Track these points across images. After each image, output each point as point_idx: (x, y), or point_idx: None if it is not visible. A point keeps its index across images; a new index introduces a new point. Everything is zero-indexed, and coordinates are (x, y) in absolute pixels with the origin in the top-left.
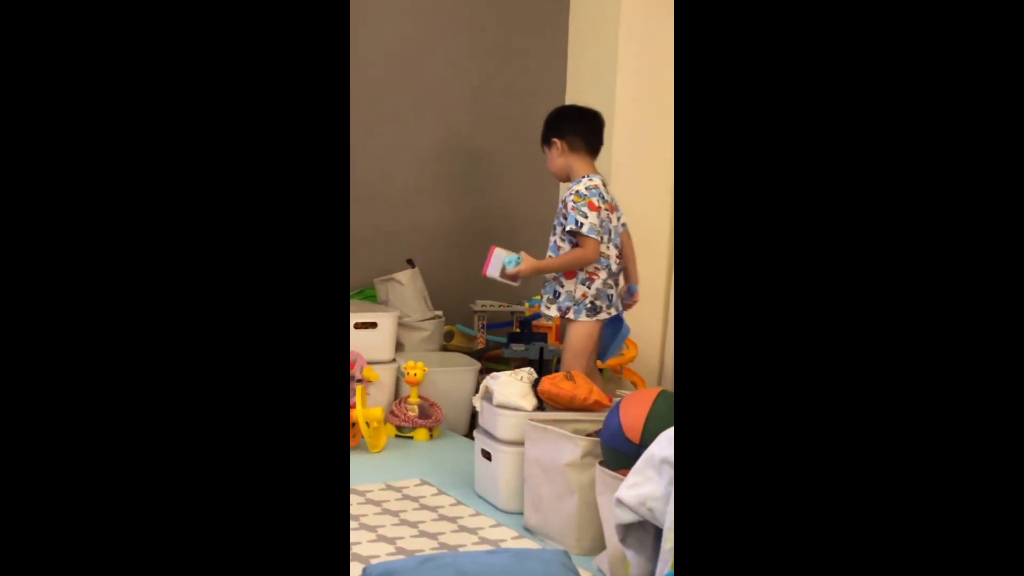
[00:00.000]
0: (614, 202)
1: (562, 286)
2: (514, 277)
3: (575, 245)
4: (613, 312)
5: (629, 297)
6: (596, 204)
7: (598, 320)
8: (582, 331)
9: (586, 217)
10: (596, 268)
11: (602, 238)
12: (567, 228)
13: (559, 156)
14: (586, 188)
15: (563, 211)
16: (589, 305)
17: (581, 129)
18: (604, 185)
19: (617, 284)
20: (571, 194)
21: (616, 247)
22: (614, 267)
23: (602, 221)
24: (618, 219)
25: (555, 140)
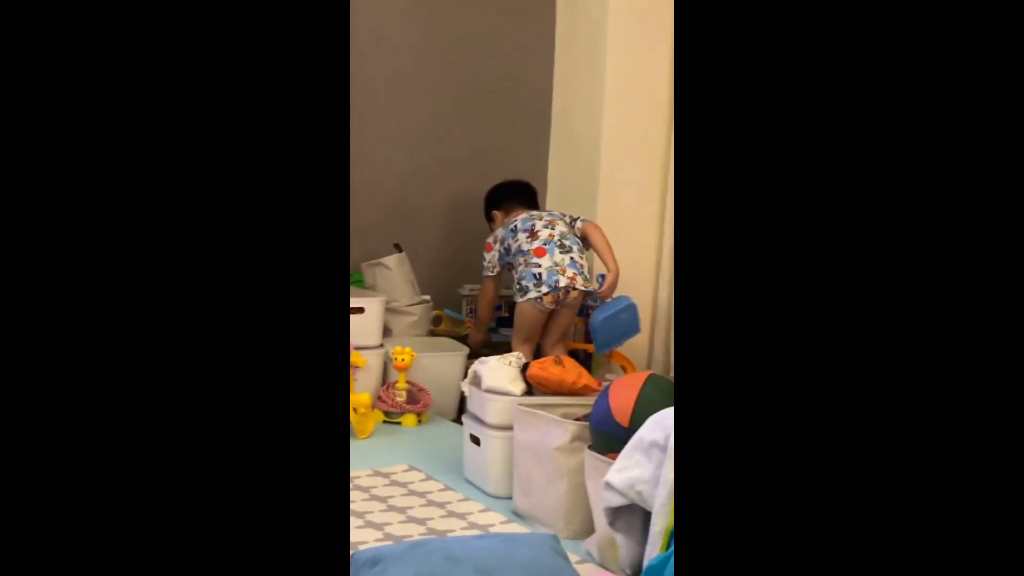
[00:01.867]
0: (531, 213)
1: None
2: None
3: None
4: (550, 288)
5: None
6: (490, 244)
7: (528, 300)
8: (517, 311)
9: (484, 259)
10: (516, 255)
11: (507, 248)
12: None
13: (500, 224)
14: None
15: None
16: (518, 287)
17: (515, 197)
18: (517, 217)
19: (553, 263)
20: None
21: (527, 231)
22: (527, 246)
23: (502, 244)
24: (541, 217)
25: (495, 213)
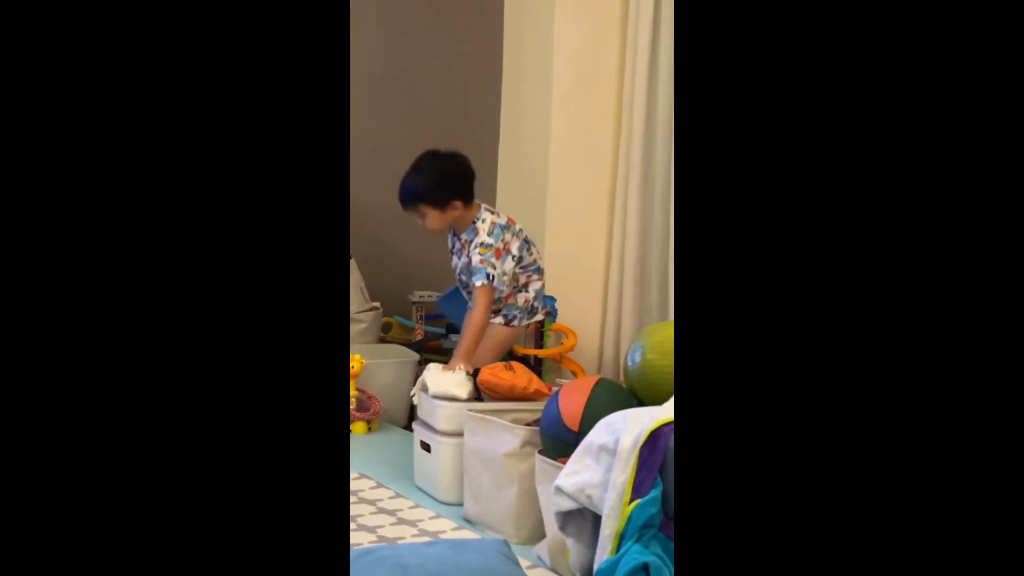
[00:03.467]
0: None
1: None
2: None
3: None
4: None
5: None
6: (500, 248)
7: (522, 324)
8: (500, 335)
9: (493, 268)
10: (532, 271)
11: (520, 260)
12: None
13: (451, 214)
14: (489, 233)
15: (466, 263)
16: (527, 308)
17: (471, 180)
18: (505, 220)
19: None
20: (475, 248)
21: (528, 243)
22: (539, 261)
23: (519, 254)
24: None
25: (455, 202)
